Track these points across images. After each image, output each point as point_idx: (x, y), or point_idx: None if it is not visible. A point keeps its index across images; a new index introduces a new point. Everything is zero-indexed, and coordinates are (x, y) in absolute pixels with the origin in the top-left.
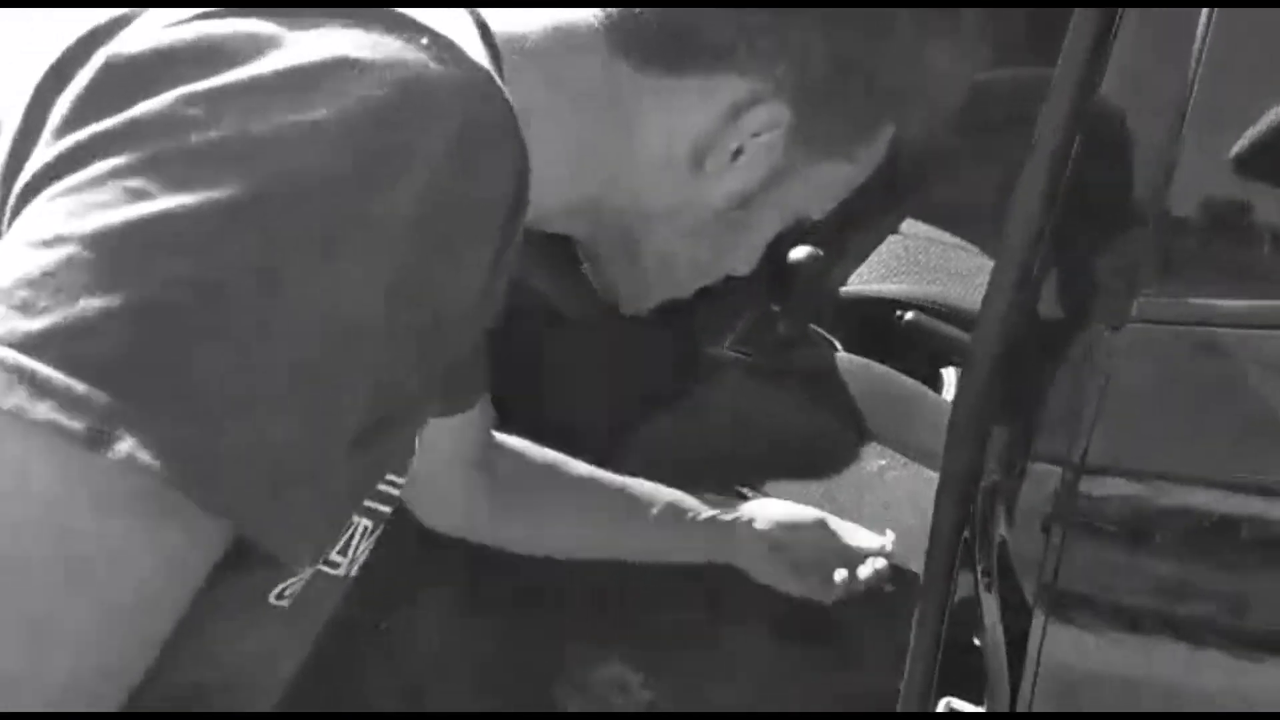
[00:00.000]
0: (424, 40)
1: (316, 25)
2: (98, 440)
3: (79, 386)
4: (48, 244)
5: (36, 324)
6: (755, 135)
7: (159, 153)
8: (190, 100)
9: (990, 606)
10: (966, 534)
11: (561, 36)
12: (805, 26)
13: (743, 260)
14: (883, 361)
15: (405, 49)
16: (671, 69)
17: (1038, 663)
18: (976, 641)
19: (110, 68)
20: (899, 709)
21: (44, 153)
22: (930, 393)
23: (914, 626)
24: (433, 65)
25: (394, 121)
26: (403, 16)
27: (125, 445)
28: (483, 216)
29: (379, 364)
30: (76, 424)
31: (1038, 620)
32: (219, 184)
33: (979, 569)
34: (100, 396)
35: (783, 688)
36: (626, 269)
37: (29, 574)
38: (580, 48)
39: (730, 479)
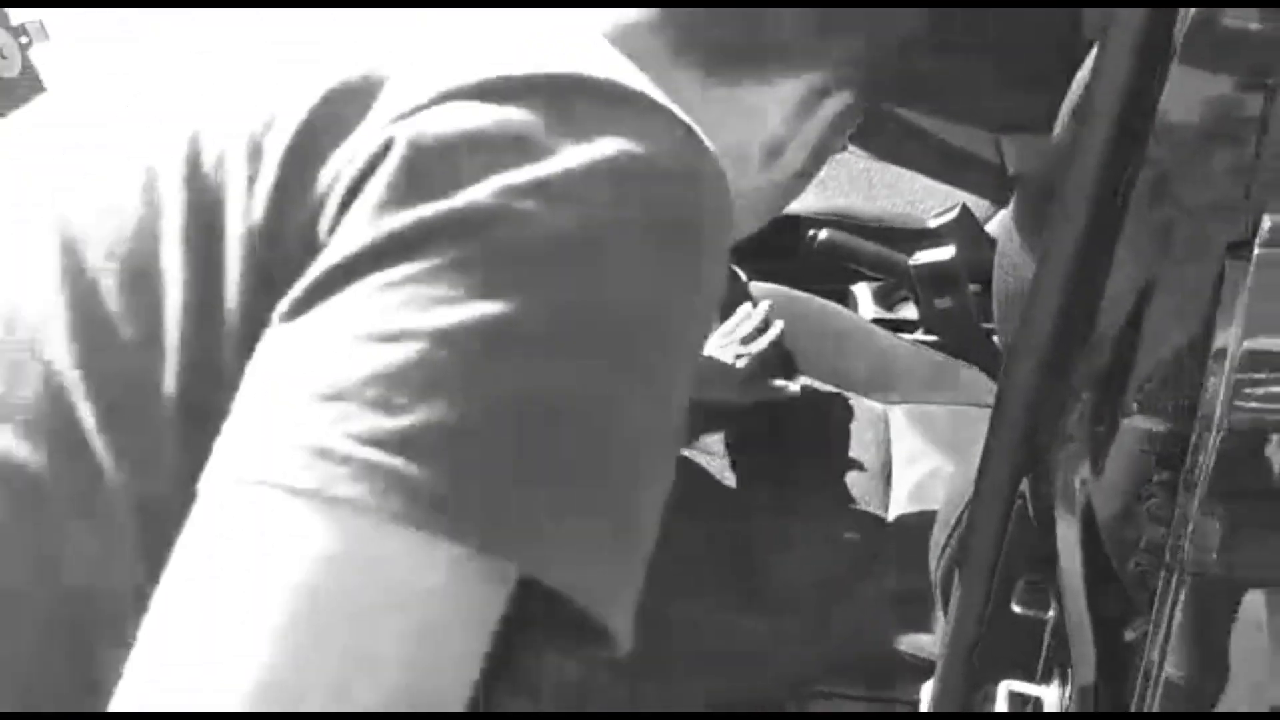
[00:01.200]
0: (678, 131)
1: (589, 117)
2: (472, 536)
3: (454, 493)
4: (392, 339)
5: (397, 423)
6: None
7: (494, 247)
8: (515, 193)
9: (1072, 575)
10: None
11: (640, 61)
12: (853, 18)
13: (766, 219)
14: (792, 285)
15: (673, 141)
16: (734, 79)
17: (1167, 636)
18: (1018, 609)
19: (418, 149)
20: (934, 698)
21: (352, 236)
22: (853, 315)
23: (957, 599)
24: (699, 162)
25: (690, 222)
26: (642, 96)
27: (501, 540)
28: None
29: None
30: (455, 522)
31: (1164, 594)
32: (557, 286)
33: (1057, 534)
34: (474, 503)
35: (754, 664)
36: None
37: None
38: (657, 71)
39: None
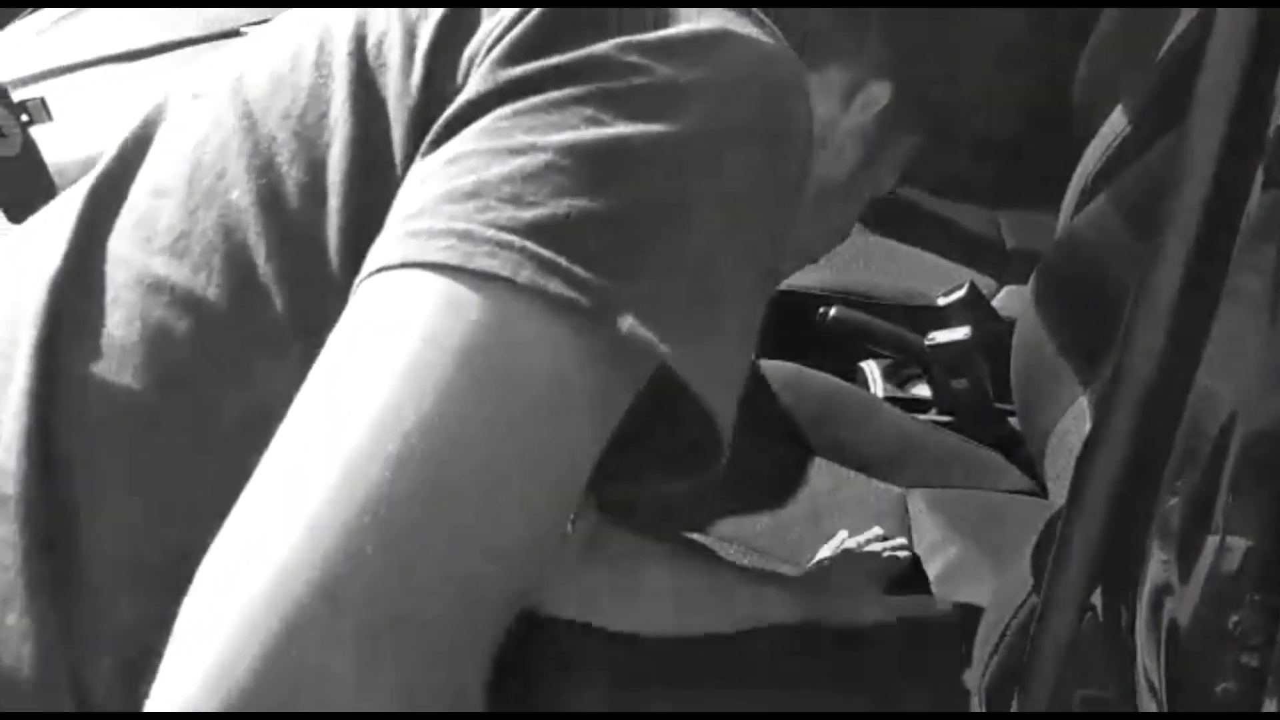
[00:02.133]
0: (765, 26)
1: (700, 8)
2: (601, 317)
3: (579, 270)
4: (520, 151)
5: (529, 214)
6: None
7: (608, 89)
8: (632, 49)
9: (1151, 692)
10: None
11: None
12: (896, 14)
13: (836, 239)
14: (802, 362)
15: (759, 30)
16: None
17: None
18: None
19: (544, 16)
20: None
21: (486, 79)
22: (865, 394)
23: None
24: (789, 53)
25: (777, 86)
26: (745, 6)
27: (627, 322)
28: (806, 160)
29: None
30: (585, 301)
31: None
32: (663, 120)
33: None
34: (598, 280)
35: None
36: None
37: (525, 415)
38: None
39: (669, 517)
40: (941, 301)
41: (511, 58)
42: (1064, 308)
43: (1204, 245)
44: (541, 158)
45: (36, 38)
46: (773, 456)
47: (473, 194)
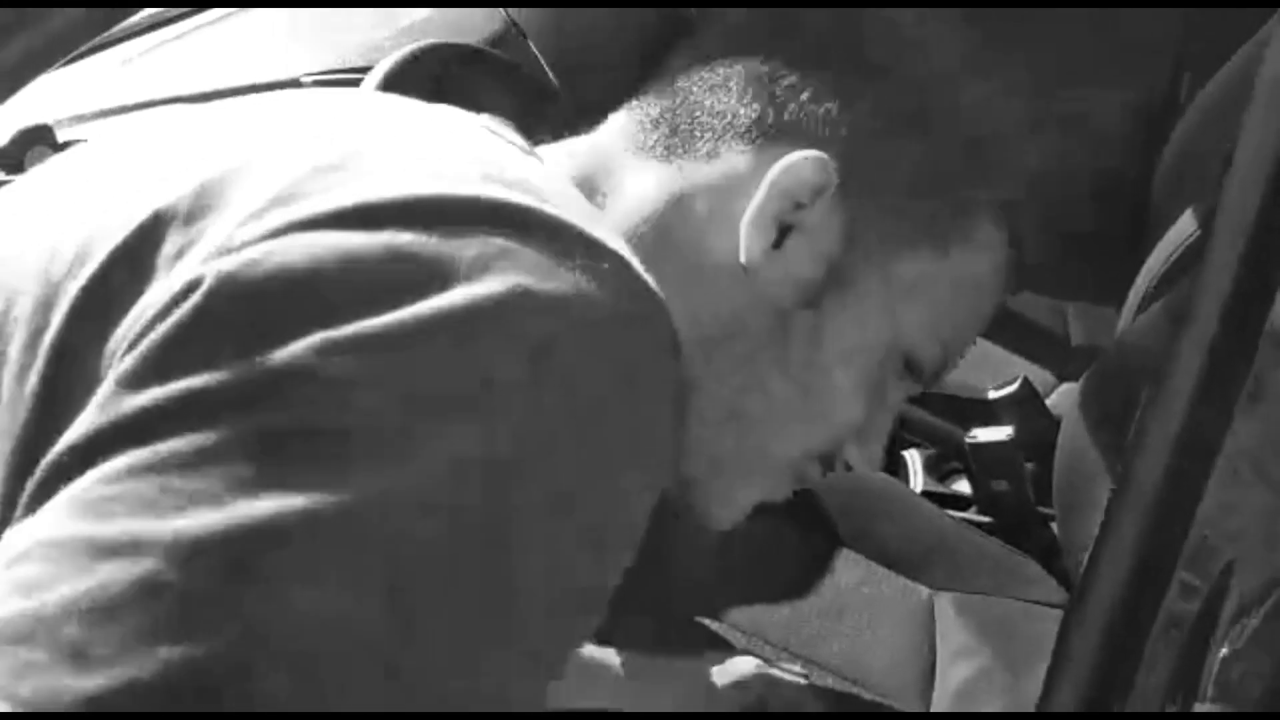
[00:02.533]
0: (604, 265)
1: (476, 240)
2: None
3: None
4: (112, 551)
5: (91, 683)
6: (800, 206)
7: (279, 431)
8: (331, 350)
9: None
10: None
11: (604, 156)
12: (832, 81)
13: (843, 409)
14: None
15: (578, 279)
16: (690, 151)
17: None
18: None
19: (225, 293)
20: None
21: (107, 404)
22: (899, 485)
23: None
24: (608, 299)
25: (582, 379)
26: (559, 223)
27: None
28: (658, 451)
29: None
30: None
31: None
32: (358, 484)
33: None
34: None
35: None
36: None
37: None
38: (624, 164)
39: (686, 605)
40: (992, 395)
41: (149, 367)
42: (1107, 414)
43: (1222, 350)
44: (137, 569)
45: (108, 74)
46: (796, 543)
47: (22, 637)
